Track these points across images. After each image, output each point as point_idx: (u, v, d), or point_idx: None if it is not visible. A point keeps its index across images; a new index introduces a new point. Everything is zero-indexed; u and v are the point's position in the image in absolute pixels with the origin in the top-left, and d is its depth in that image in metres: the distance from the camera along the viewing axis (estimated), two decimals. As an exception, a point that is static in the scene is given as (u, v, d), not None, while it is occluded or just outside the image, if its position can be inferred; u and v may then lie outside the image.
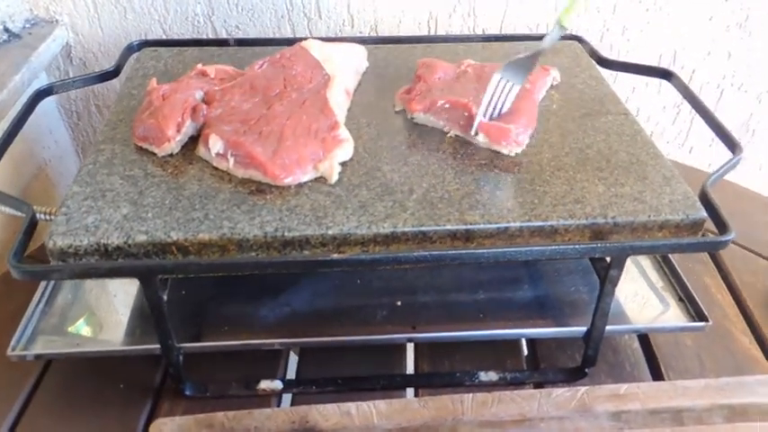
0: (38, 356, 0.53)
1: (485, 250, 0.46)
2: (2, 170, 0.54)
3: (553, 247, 0.45)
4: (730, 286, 0.63)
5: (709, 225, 0.48)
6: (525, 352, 0.57)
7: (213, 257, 0.46)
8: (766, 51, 0.88)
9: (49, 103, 0.89)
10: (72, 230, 0.46)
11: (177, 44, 0.72)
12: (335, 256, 0.45)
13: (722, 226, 0.46)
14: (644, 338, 0.58)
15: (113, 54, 0.85)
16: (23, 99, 0.71)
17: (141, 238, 0.45)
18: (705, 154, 0.97)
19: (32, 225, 0.48)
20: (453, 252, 0.46)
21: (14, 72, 0.71)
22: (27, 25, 0.81)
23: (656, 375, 0.54)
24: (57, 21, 0.82)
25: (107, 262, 0.45)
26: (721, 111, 0.93)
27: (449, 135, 0.56)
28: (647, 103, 0.93)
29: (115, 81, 0.76)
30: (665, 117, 0.94)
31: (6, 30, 0.77)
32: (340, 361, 0.55)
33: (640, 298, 0.57)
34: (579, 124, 0.58)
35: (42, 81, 0.83)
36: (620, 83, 0.89)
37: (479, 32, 0.85)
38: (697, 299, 0.55)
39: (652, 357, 0.56)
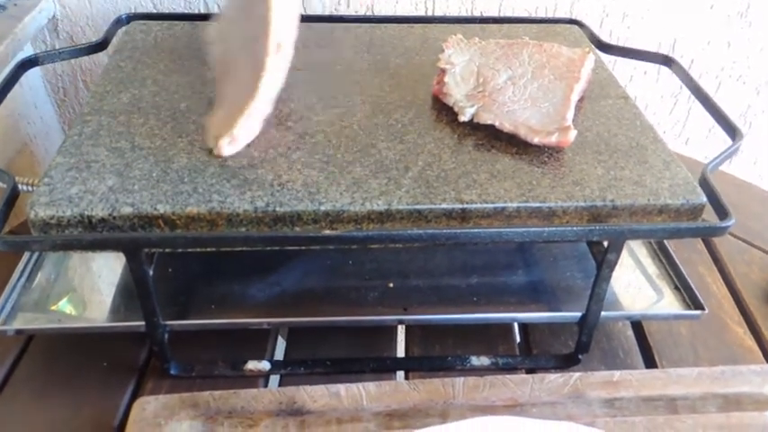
0: (18, 332, 0.51)
1: (481, 230, 0.45)
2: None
3: (551, 229, 0.45)
4: (725, 277, 0.63)
5: (706, 214, 0.47)
6: (518, 338, 0.56)
7: (201, 232, 0.45)
8: (764, 44, 0.87)
9: (35, 77, 0.87)
10: (55, 201, 0.44)
11: (167, 18, 0.70)
12: (327, 232, 0.44)
13: (722, 212, 0.46)
14: (638, 327, 0.57)
15: (101, 28, 0.83)
16: (7, 71, 0.69)
17: (127, 210, 0.44)
18: (702, 145, 0.97)
19: (14, 196, 0.46)
20: (448, 231, 0.45)
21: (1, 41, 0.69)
22: (13, -4, 0.79)
23: (650, 363, 0.54)
24: (43, -9, 0.80)
25: (90, 234, 0.44)
26: (719, 101, 0.93)
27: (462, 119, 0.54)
28: (644, 92, 0.92)
29: (102, 55, 0.74)
30: (662, 107, 0.94)
31: (-9, 0, 0.75)
32: (329, 343, 0.54)
33: (636, 286, 0.57)
34: (578, 107, 0.57)
35: (28, 53, 0.81)
36: (618, 71, 0.88)
37: (477, 14, 0.84)
38: (693, 287, 0.54)
39: (646, 345, 0.55)
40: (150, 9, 0.83)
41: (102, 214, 0.44)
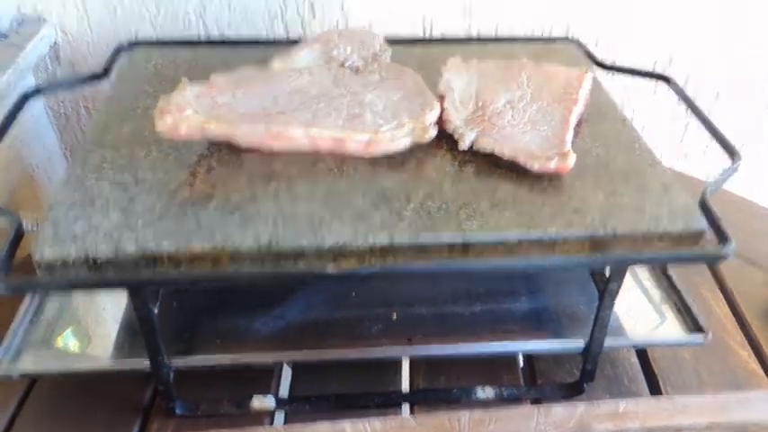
0: (23, 375, 0.51)
1: (483, 262, 0.45)
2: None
3: (553, 259, 0.45)
4: (728, 298, 0.62)
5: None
6: (522, 365, 0.56)
7: (205, 268, 0.45)
8: (762, 55, 0.88)
9: (37, 104, 0.87)
10: (59, 241, 0.44)
11: (168, 44, 0.70)
12: (330, 269, 0.44)
13: (723, 237, 0.46)
14: (642, 352, 0.57)
15: (102, 53, 0.83)
16: (10, 100, 0.70)
17: (131, 248, 0.44)
18: (701, 159, 0.97)
19: (19, 236, 0.46)
20: (450, 264, 0.45)
21: (2, 72, 0.69)
22: (14, 24, 0.79)
23: (655, 390, 0.54)
24: (44, 19, 0.80)
25: (95, 274, 0.44)
26: (716, 113, 0.93)
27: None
28: (641, 107, 0.92)
29: (105, 82, 0.75)
30: (660, 122, 0.94)
31: (-8, 29, 0.75)
32: (334, 377, 0.54)
33: (638, 310, 0.57)
34: (577, 130, 0.57)
35: (29, 81, 0.81)
36: (615, 89, 0.88)
37: (474, 34, 0.84)
38: (695, 311, 0.54)
39: (650, 372, 0.55)
40: (150, 33, 0.83)
41: (106, 253, 0.44)
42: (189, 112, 0.52)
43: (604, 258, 0.45)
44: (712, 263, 0.50)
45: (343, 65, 0.61)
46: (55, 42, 0.82)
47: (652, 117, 0.94)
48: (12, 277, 0.42)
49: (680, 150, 0.98)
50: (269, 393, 0.52)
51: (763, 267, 0.66)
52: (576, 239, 0.47)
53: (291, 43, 0.68)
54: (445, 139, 0.55)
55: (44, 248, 0.44)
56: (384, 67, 0.60)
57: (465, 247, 0.46)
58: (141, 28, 0.83)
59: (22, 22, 0.79)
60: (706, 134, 0.59)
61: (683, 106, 0.62)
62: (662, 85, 0.65)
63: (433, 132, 0.52)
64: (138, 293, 0.44)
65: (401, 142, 0.51)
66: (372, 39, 0.65)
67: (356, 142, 0.51)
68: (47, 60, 0.84)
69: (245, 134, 0.52)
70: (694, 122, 0.59)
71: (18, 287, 0.44)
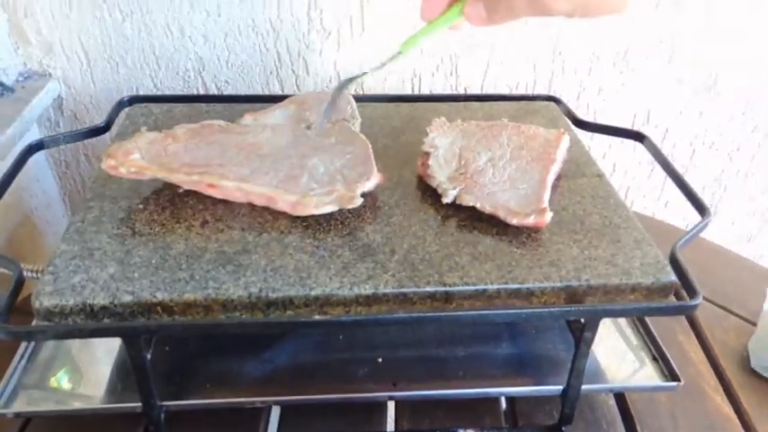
0: (17, 415, 0.52)
1: (463, 312, 0.47)
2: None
3: (530, 310, 0.47)
4: (703, 343, 0.64)
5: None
6: (504, 406, 0.58)
7: (198, 317, 0.47)
8: (734, 113, 0.91)
9: (38, 152, 0.90)
10: (58, 290, 0.46)
11: (167, 100, 0.73)
12: (317, 317, 0.46)
13: (691, 290, 0.48)
14: (620, 396, 0.59)
15: (104, 106, 0.87)
16: (16, 149, 0.73)
17: (127, 298, 0.46)
18: (681, 207, 1.00)
19: (19, 286, 0.48)
20: (433, 314, 0.47)
21: (6, 125, 0.72)
22: (20, 78, 0.82)
23: (632, 433, 0.55)
24: (50, 74, 0.84)
25: (92, 323, 0.46)
26: (694, 167, 0.96)
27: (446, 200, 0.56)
28: (623, 159, 0.96)
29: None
30: (640, 172, 0.97)
31: (0, 83, 0.78)
32: (321, 418, 0.55)
33: (616, 356, 0.58)
34: (555, 186, 0.60)
35: (34, 132, 0.84)
36: (598, 139, 0.91)
37: (461, 90, 0.88)
38: (670, 358, 0.56)
39: (627, 415, 0.57)
40: (150, 88, 0.86)
41: (103, 303, 0.46)
42: (135, 156, 0.56)
43: (579, 310, 0.47)
44: (680, 314, 0.52)
45: (309, 127, 0.63)
46: (59, 95, 0.86)
47: (633, 168, 0.97)
48: (12, 325, 0.44)
49: (661, 199, 1.01)
50: (258, 437, 0.54)
51: (738, 314, 0.68)
52: (552, 291, 0.49)
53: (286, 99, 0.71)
54: (429, 193, 0.58)
55: (44, 298, 0.46)
56: (340, 131, 0.61)
57: (447, 297, 0.48)
58: (142, 83, 0.86)
59: (28, 77, 0.83)
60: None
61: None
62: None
63: (358, 201, 0.53)
64: (132, 342, 0.46)
65: (326, 208, 0.52)
66: (346, 104, 0.67)
67: (284, 202, 0.53)
68: (50, 111, 0.87)
69: (182, 182, 0.55)
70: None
71: (18, 334, 0.45)
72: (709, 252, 0.78)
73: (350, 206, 0.53)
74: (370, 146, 0.59)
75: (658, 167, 0.96)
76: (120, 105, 0.72)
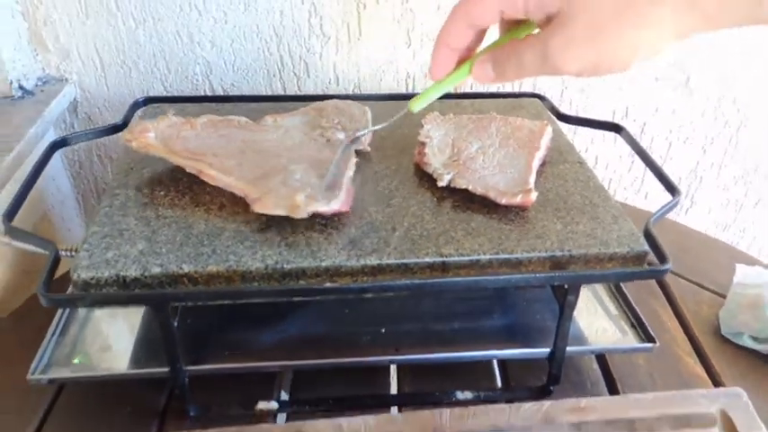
0: (51, 381, 0.57)
1: (459, 279, 0.52)
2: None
3: (518, 276, 0.52)
4: (678, 314, 0.70)
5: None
6: (497, 372, 0.63)
7: (220, 287, 0.51)
8: (706, 108, 0.97)
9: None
10: (94, 264, 0.51)
11: (179, 100, 0.78)
12: (328, 284, 0.51)
13: (662, 257, 0.53)
14: (602, 360, 0.64)
15: (117, 109, 0.92)
16: (39, 147, 0.77)
17: (156, 270, 0.51)
18: (660, 199, 1.05)
19: (56, 261, 0.53)
20: (431, 281, 0.52)
21: (29, 125, 0.77)
22: (39, 83, 0.87)
23: (613, 392, 0.60)
24: (66, 79, 0.89)
25: (126, 292, 0.50)
26: (670, 160, 1.02)
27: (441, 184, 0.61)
28: (604, 152, 1.01)
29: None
30: (621, 165, 1.03)
31: (21, 87, 0.83)
32: (330, 383, 0.60)
33: (597, 324, 0.64)
34: (540, 171, 0.65)
35: (50, 134, 0.89)
36: (581, 135, 0.97)
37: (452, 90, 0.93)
38: (647, 324, 0.61)
39: (609, 376, 0.62)
40: (161, 91, 0.91)
41: (134, 274, 0.50)
42: (149, 135, 0.62)
43: (562, 276, 0.52)
44: (653, 278, 0.57)
45: (323, 134, 0.66)
46: (74, 99, 0.90)
47: (614, 161, 1.03)
48: (54, 294, 0.48)
49: (641, 192, 1.06)
50: (272, 398, 0.58)
51: (710, 289, 0.73)
52: (538, 260, 0.54)
53: (288, 99, 0.76)
54: (426, 178, 0.63)
55: (81, 271, 0.50)
56: (343, 155, 0.62)
57: (444, 267, 0.53)
58: (153, 87, 0.91)
59: (46, 81, 0.87)
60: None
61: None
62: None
63: (302, 215, 0.53)
64: (161, 308, 0.50)
65: (276, 210, 0.54)
66: (362, 115, 0.71)
67: (249, 196, 0.56)
68: (65, 114, 0.92)
69: (180, 164, 0.61)
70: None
71: (60, 302, 0.50)
72: (684, 235, 0.83)
73: (295, 216, 0.54)
74: (350, 176, 0.60)
75: (638, 160, 1.02)
76: (136, 105, 0.77)
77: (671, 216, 0.96)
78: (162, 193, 0.60)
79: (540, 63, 0.42)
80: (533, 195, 0.58)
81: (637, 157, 1.00)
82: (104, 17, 0.84)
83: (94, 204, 1.01)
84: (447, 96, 0.82)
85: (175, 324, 0.52)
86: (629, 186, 1.05)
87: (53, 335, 0.60)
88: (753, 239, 1.12)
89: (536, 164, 0.63)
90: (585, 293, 0.67)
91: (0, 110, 0.80)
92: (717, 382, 0.61)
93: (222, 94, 0.92)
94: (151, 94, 0.91)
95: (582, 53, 0.40)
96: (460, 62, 0.48)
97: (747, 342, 0.65)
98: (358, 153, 0.65)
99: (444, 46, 0.46)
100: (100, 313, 0.64)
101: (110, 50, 0.87)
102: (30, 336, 0.60)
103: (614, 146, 1.00)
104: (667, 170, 0.66)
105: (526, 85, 0.94)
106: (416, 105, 0.53)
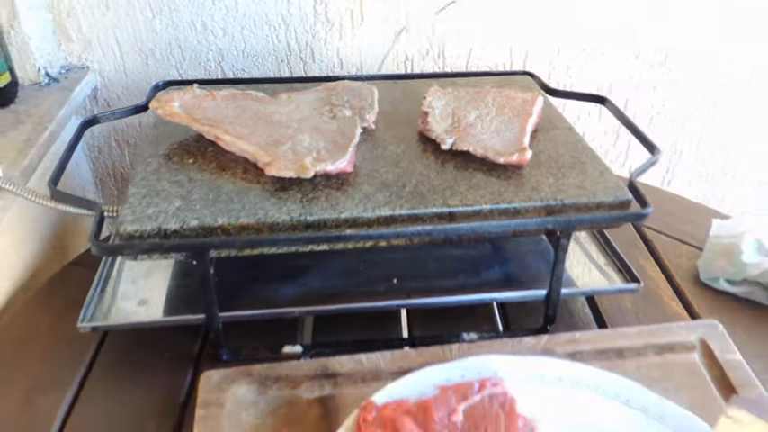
0: (94, 328, 0.62)
1: (464, 225, 0.58)
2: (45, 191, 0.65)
3: (517, 221, 0.58)
4: (660, 264, 0.76)
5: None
6: (498, 317, 0.68)
7: (253, 236, 0.57)
8: (684, 85, 1.04)
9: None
10: (137, 219, 0.56)
11: (194, 83, 0.84)
12: (349, 231, 0.56)
13: (643, 203, 0.59)
14: (593, 304, 0.69)
15: (134, 95, 0.97)
16: (66, 130, 0.82)
17: (194, 223, 0.56)
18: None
19: (101, 219, 0.58)
20: (440, 227, 0.57)
21: (59, 108, 0.82)
22: (63, 71, 0.92)
23: (604, 330, 0.66)
24: (87, 67, 0.94)
25: (169, 241, 0.56)
26: (651, 135, 1.08)
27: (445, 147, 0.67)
28: (590, 128, 1.07)
29: (133, 118, 0.88)
30: (606, 140, 1.09)
31: (47, 74, 0.88)
32: (347, 329, 0.65)
33: (587, 271, 0.70)
34: (533, 136, 0.71)
35: (73, 121, 0.94)
36: (568, 113, 1.03)
37: (448, 71, 0.99)
38: (631, 267, 0.67)
39: (600, 318, 0.68)
40: (176, 77, 0.96)
41: (174, 227, 0.56)
42: (174, 104, 0.68)
43: (555, 221, 0.58)
44: (637, 220, 0.63)
45: (331, 110, 0.71)
46: (95, 86, 0.95)
47: (599, 136, 1.09)
48: (105, 243, 0.54)
49: (626, 165, 1.13)
50: (296, 342, 0.64)
51: (690, 243, 0.79)
52: (534, 209, 0.60)
53: (295, 80, 0.82)
54: (429, 144, 0.69)
55: (126, 225, 0.56)
56: (346, 123, 0.68)
57: (450, 216, 0.59)
58: (168, 73, 0.96)
59: (69, 70, 0.93)
60: (646, 152, 0.72)
61: (626, 130, 0.76)
62: (606, 110, 0.79)
63: (309, 174, 0.59)
64: (201, 256, 0.55)
65: (286, 173, 0.60)
66: (370, 94, 0.76)
67: (260, 160, 0.62)
68: (86, 101, 0.97)
69: (199, 130, 0.67)
70: (636, 143, 0.72)
71: (108, 250, 0.55)
72: (666, 199, 0.89)
73: (303, 176, 0.59)
74: (356, 141, 0.65)
75: (622, 135, 1.09)
76: (157, 88, 0.82)
77: (655, 185, 1.03)
78: (190, 161, 0.65)
79: None
80: (528, 154, 0.64)
81: (621, 132, 1.08)
82: (123, 8, 0.89)
83: (112, 188, 1.06)
84: (445, 75, 0.89)
85: (212, 271, 0.57)
86: (615, 160, 1.11)
87: (95, 291, 0.65)
88: (730, 210, 1.19)
89: (529, 128, 0.69)
90: (576, 246, 0.73)
91: (30, 95, 0.85)
92: (696, 319, 0.67)
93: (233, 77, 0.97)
94: (166, 80, 0.96)
95: None
96: None
97: (724, 285, 0.71)
98: (365, 130, 0.71)
99: None
100: (133, 273, 0.69)
101: (128, 40, 0.92)
102: (71, 297, 0.66)
103: (599, 122, 1.06)
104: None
105: (516, 67, 1.00)
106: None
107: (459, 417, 0.47)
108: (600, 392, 0.51)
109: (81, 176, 1.02)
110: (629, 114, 1.05)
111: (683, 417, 0.49)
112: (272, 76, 0.98)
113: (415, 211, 0.58)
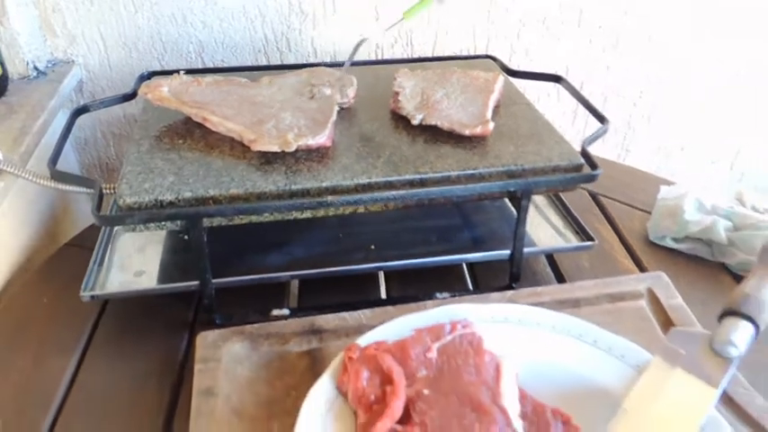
0: (93, 297, 0.66)
1: (434, 189, 0.63)
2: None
3: (481, 185, 0.63)
4: (614, 227, 0.82)
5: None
6: (468, 278, 0.74)
7: (242, 205, 0.61)
8: (633, 66, 1.11)
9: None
10: (135, 191, 0.60)
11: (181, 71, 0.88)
12: (329, 198, 0.61)
13: (593, 166, 0.65)
14: (553, 262, 0.75)
15: (118, 87, 1.00)
16: (56, 120, 0.86)
17: (187, 194, 0.60)
18: (599, 149, 1.19)
19: (101, 195, 0.62)
20: (412, 191, 0.63)
21: (49, 99, 0.85)
22: (49, 65, 0.95)
23: (563, 285, 0.72)
24: (73, 61, 0.97)
25: (166, 210, 0.60)
26: (606, 113, 1.14)
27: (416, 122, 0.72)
28: (549, 108, 1.14)
29: (118, 110, 0.92)
30: (564, 120, 1.16)
31: (36, 68, 0.91)
32: (330, 290, 0.70)
33: (548, 235, 0.76)
34: (495, 111, 0.77)
35: (61, 113, 0.97)
36: (528, 94, 1.09)
37: (416, 57, 1.05)
38: (587, 228, 0.73)
39: (560, 276, 0.74)
40: (158, 69, 1.00)
41: (170, 198, 0.60)
42: (163, 89, 0.72)
43: (515, 183, 0.64)
44: (588, 181, 0.68)
45: (311, 91, 0.76)
46: (80, 79, 0.99)
47: (558, 117, 1.15)
48: (105, 214, 0.58)
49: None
50: (283, 306, 0.69)
51: (640, 208, 0.86)
52: (496, 173, 0.65)
53: (272, 68, 0.86)
54: (401, 120, 0.74)
55: (125, 197, 0.60)
56: (325, 102, 0.73)
57: (422, 182, 0.64)
58: (151, 65, 1.00)
59: (55, 64, 0.96)
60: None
61: (583, 110, 0.82)
62: (564, 92, 0.85)
63: (291, 148, 0.64)
64: (195, 224, 0.60)
65: (270, 147, 0.64)
66: (350, 83, 0.79)
67: (246, 138, 0.66)
68: (72, 94, 1.00)
69: (187, 112, 0.71)
70: (592, 120, 0.78)
71: (109, 220, 0.60)
72: (621, 171, 0.96)
73: (286, 149, 0.64)
74: (334, 119, 0.70)
75: (579, 115, 1.15)
76: (142, 78, 0.86)
77: (612, 158, 1.10)
78: (180, 141, 0.70)
79: None
80: (491, 125, 0.69)
81: (579, 111, 1.14)
82: (107, 3, 0.93)
83: (98, 177, 1.10)
84: (413, 61, 0.95)
85: (205, 239, 0.62)
86: (573, 138, 1.17)
87: (94, 264, 0.69)
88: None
89: (491, 103, 0.75)
90: (537, 212, 0.80)
91: (21, 87, 0.88)
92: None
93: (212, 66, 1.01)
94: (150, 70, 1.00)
95: None
96: None
97: (669, 243, 0.78)
98: (343, 108, 0.76)
99: None
100: (129, 249, 0.73)
101: (112, 34, 0.96)
102: (70, 273, 0.70)
103: (558, 102, 1.13)
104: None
105: (479, 51, 1.06)
106: (409, 15, 0.70)
107: (433, 353, 0.52)
108: (555, 331, 0.57)
109: (68, 167, 1.04)
110: (584, 94, 1.12)
111: (627, 347, 0.55)
112: (251, 65, 1.02)
113: (390, 179, 0.64)
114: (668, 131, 1.20)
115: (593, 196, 0.88)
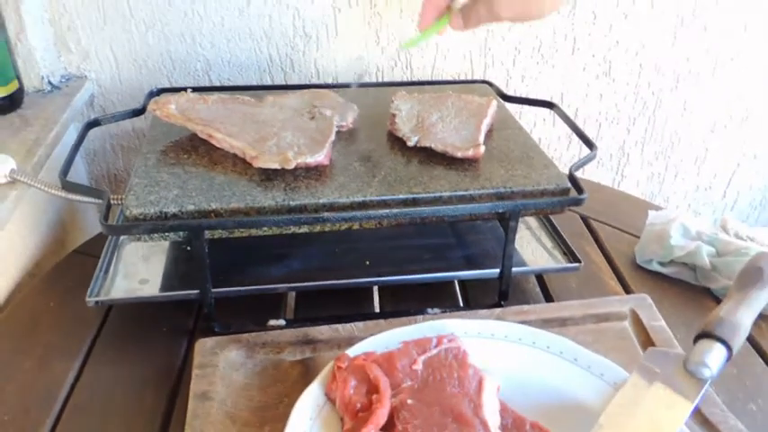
0: (97, 302, 0.68)
1: (426, 208, 0.65)
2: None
3: (471, 206, 0.66)
4: (603, 250, 0.84)
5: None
6: (459, 295, 0.76)
7: (242, 218, 0.64)
8: (626, 93, 1.14)
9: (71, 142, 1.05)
10: (141, 203, 0.63)
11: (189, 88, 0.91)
12: (326, 214, 0.64)
13: (580, 190, 0.68)
14: (542, 283, 0.78)
15: (128, 102, 1.03)
16: (68, 133, 0.89)
17: (190, 207, 0.63)
18: (594, 174, 1.22)
19: (109, 205, 0.65)
20: (405, 210, 0.65)
21: (62, 112, 0.88)
22: (63, 80, 0.98)
23: (550, 304, 0.74)
24: (86, 77, 1.00)
25: (170, 221, 0.63)
26: (600, 140, 1.18)
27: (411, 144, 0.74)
28: (545, 134, 1.16)
29: (127, 124, 0.95)
30: (560, 145, 1.18)
31: (50, 82, 0.95)
32: (325, 303, 0.72)
33: (537, 255, 0.78)
34: (488, 135, 0.79)
35: (72, 127, 1.00)
36: (524, 120, 1.12)
37: (415, 80, 1.08)
38: (574, 250, 0.76)
39: (548, 296, 0.76)
40: (166, 85, 1.03)
41: (174, 210, 0.63)
42: (170, 106, 0.75)
43: (504, 205, 0.67)
44: (575, 204, 0.70)
45: (310, 112, 0.78)
46: (92, 93, 1.02)
47: (554, 142, 1.18)
48: (112, 224, 0.61)
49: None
50: (280, 317, 0.71)
51: (629, 232, 0.88)
52: (486, 195, 0.68)
53: (276, 88, 0.89)
54: (397, 141, 0.77)
55: (132, 208, 0.62)
56: (324, 123, 0.75)
57: (414, 202, 0.67)
58: (160, 82, 1.03)
59: (68, 78, 0.99)
60: (598, 154, 0.79)
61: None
62: (557, 117, 0.88)
63: (291, 165, 0.67)
64: (197, 236, 0.62)
65: (270, 164, 0.67)
66: (351, 109, 0.81)
67: (248, 154, 0.69)
68: (83, 108, 1.03)
69: (194, 129, 0.73)
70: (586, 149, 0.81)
71: (116, 230, 0.62)
72: (613, 196, 0.99)
73: (286, 167, 0.67)
74: (332, 139, 0.72)
75: (574, 140, 1.18)
76: (151, 94, 0.89)
77: (607, 183, 1.12)
78: (185, 156, 0.72)
79: (488, 13, 0.60)
80: (482, 149, 0.72)
81: (573, 138, 1.17)
82: (120, 23, 0.96)
83: (106, 188, 1.12)
84: (411, 84, 0.98)
85: (206, 250, 0.64)
86: (568, 163, 1.20)
87: (100, 271, 0.71)
88: (675, 209, 1.29)
89: (484, 127, 0.77)
90: (528, 233, 0.82)
91: (35, 101, 0.91)
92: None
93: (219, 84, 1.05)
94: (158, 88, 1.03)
95: (511, 4, 0.59)
96: (440, 16, 0.64)
97: (656, 267, 0.80)
98: (342, 130, 0.78)
99: (429, 4, 0.64)
100: (133, 258, 0.76)
101: (123, 51, 0.99)
102: (76, 280, 0.73)
103: (554, 127, 1.15)
104: (600, 147, 0.81)
105: (476, 75, 1.09)
106: (407, 46, 0.76)
107: (419, 365, 0.54)
108: (537, 347, 0.59)
109: (78, 177, 1.07)
110: (579, 121, 1.15)
111: (607, 366, 0.57)
112: (256, 84, 1.05)
113: (384, 198, 0.66)
114: (661, 158, 1.22)
115: (584, 219, 0.91)
